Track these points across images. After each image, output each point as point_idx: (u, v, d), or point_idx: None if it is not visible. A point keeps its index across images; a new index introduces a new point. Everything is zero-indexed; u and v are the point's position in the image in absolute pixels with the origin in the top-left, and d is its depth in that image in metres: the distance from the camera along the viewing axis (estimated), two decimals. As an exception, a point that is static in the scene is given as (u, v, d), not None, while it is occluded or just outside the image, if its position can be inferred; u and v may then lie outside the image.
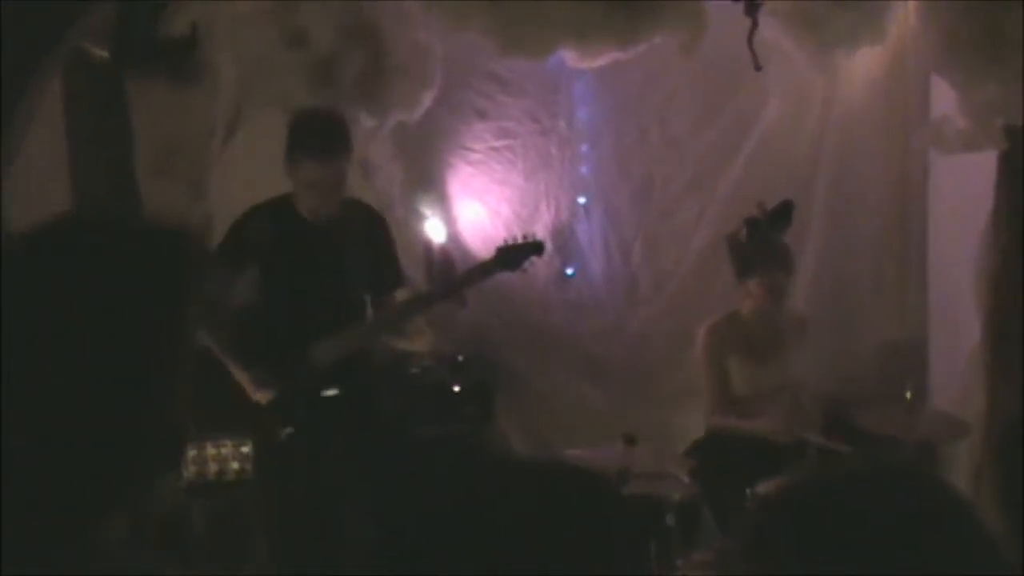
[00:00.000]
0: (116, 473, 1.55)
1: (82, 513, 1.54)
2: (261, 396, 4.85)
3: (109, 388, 1.54)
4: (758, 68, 5.68)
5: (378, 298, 5.14)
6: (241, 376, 4.86)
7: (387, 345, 5.38)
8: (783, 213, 5.68)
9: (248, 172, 5.60)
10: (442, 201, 6.70)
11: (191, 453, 5.46)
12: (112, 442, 1.54)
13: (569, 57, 5.95)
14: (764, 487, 4.97)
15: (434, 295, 5.26)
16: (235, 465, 5.56)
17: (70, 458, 1.51)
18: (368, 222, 5.14)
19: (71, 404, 1.52)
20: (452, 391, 6.65)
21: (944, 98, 5.69)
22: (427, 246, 6.59)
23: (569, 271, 6.91)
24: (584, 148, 6.87)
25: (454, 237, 6.59)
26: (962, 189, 5.96)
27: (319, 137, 4.83)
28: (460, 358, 6.81)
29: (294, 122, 4.91)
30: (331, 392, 4.90)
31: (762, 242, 5.65)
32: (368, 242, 5.08)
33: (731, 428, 5.66)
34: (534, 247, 5.25)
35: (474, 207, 6.78)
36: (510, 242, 5.25)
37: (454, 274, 6.19)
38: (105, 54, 5.14)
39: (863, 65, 6.40)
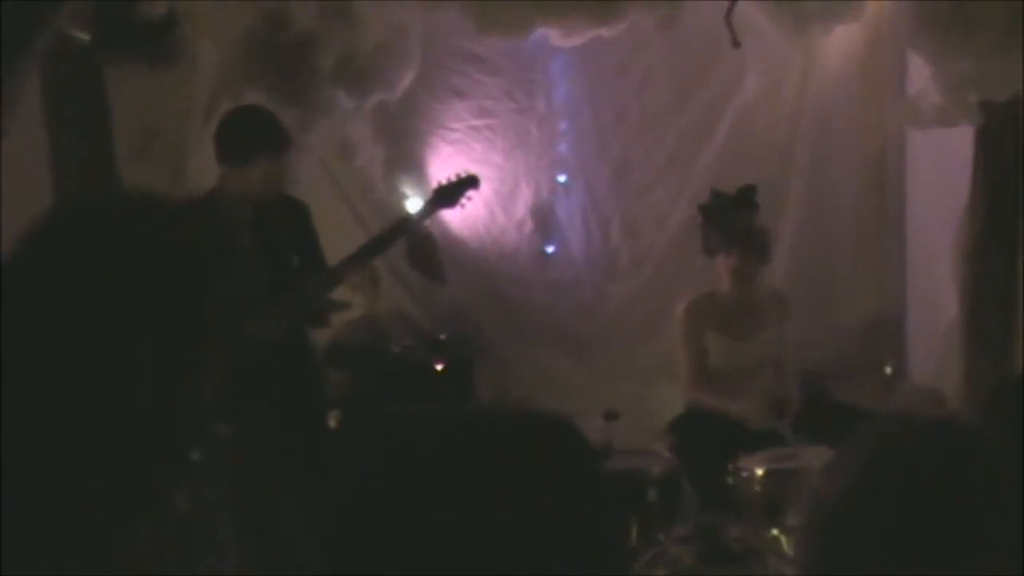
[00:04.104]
0: (137, 476, 1.55)
1: (108, 514, 1.53)
2: None
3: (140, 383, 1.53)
4: (736, 45, 5.70)
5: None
6: None
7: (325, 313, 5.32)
8: (744, 197, 5.71)
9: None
10: (422, 181, 6.72)
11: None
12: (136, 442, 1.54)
13: (551, 35, 5.97)
14: (745, 461, 5.02)
15: (373, 245, 5.23)
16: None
17: (93, 463, 1.51)
18: (289, 210, 5.15)
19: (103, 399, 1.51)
20: (433, 369, 6.68)
21: (920, 74, 5.71)
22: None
23: (549, 249, 6.94)
24: (563, 126, 6.89)
25: (434, 216, 6.60)
26: (940, 164, 6.00)
27: (273, 132, 4.92)
28: (441, 336, 6.84)
29: (240, 121, 4.98)
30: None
31: (719, 223, 5.68)
32: (291, 228, 5.09)
33: (709, 406, 5.70)
34: (469, 181, 5.39)
35: (454, 186, 6.80)
36: (444, 182, 5.39)
37: (430, 250, 6.23)
38: (84, 38, 5.13)
39: (840, 41, 6.42)
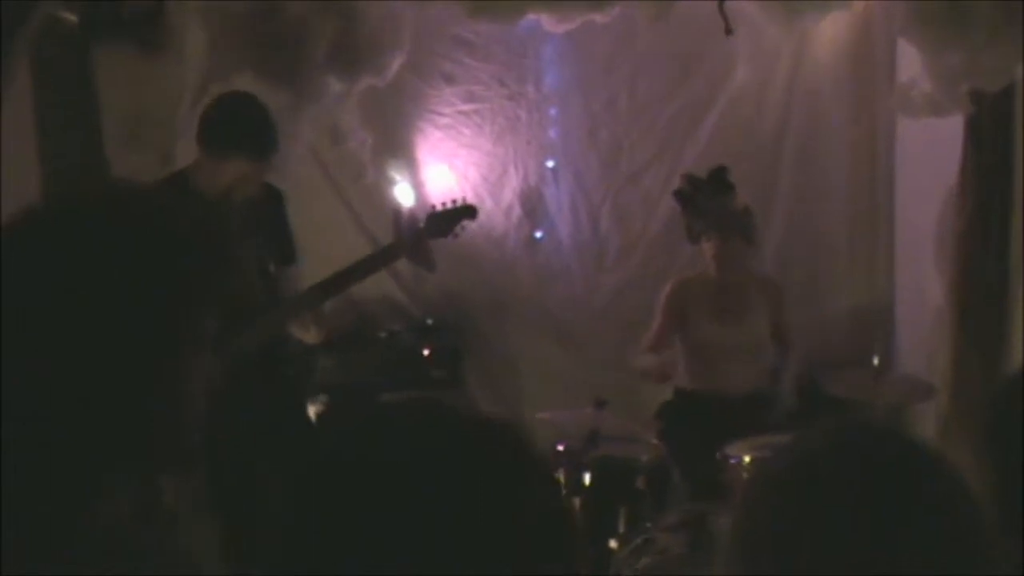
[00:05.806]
0: (120, 462, 1.55)
1: (86, 501, 1.53)
2: None
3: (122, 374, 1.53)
4: (729, 32, 5.70)
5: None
6: None
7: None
8: (717, 179, 5.71)
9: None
10: (411, 166, 6.70)
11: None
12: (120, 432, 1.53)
13: (542, 20, 5.95)
14: (732, 448, 5.03)
15: (356, 269, 4.93)
16: None
17: (75, 449, 1.51)
18: (264, 197, 4.88)
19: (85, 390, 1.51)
20: (421, 355, 6.67)
21: (911, 63, 5.71)
22: (396, 211, 6.59)
23: (538, 235, 6.93)
24: (552, 112, 6.88)
25: (423, 201, 6.58)
26: (929, 153, 6.00)
27: (258, 135, 4.61)
28: (429, 322, 6.84)
29: (227, 111, 4.65)
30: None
31: (696, 207, 5.69)
32: (264, 217, 4.84)
33: (636, 367, 5.75)
34: (465, 210, 5.11)
35: (443, 171, 6.79)
36: (439, 208, 5.11)
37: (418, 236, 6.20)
38: (73, 20, 5.10)
39: (831, 30, 6.42)
